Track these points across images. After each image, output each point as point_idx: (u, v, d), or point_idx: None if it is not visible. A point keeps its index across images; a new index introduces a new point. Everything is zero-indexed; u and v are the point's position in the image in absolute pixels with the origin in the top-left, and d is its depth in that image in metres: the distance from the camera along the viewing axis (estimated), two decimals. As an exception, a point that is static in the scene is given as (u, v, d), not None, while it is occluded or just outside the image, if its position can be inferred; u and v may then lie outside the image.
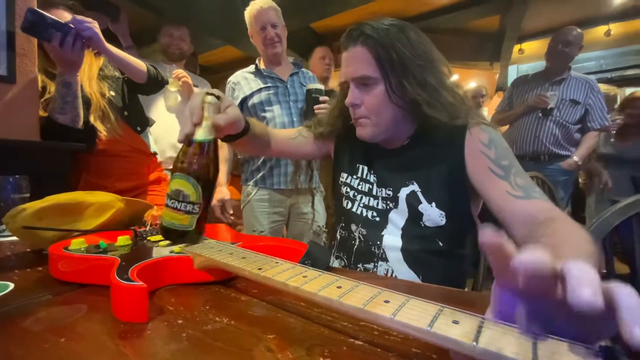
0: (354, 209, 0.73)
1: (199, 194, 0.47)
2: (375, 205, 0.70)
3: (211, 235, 0.54)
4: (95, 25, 0.96)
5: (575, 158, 1.88)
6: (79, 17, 0.94)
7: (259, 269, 0.35)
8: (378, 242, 0.67)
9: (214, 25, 2.78)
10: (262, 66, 1.39)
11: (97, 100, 1.09)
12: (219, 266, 0.40)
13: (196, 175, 0.47)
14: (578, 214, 2.42)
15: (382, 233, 0.68)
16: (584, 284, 0.18)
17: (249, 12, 1.34)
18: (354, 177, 0.74)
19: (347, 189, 0.75)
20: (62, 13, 1.04)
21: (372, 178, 0.71)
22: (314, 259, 0.47)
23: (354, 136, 0.69)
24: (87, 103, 1.07)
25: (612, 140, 2.18)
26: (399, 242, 0.66)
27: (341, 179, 0.77)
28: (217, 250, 0.43)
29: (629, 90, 2.85)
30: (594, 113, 1.87)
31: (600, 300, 0.17)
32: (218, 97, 0.51)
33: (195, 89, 1.67)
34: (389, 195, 0.68)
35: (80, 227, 0.56)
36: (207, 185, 0.48)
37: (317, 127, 0.81)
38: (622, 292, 0.17)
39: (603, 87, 2.49)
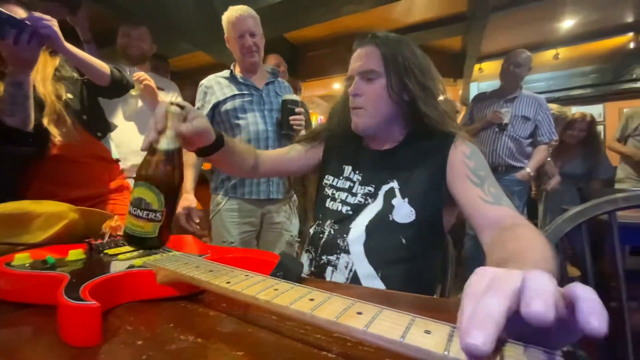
0: (331, 206, 0.75)
1: (161, 202, 0.46)
2: (352, 202, 0.72)
3: (177, 246, 0.52)
4: (54, 24, 0.89)
5: (528, 169, 2.04)
6: (37, 14, 0.87)
7: (228, 282, 0.34)
8: (345, 235, 0.69)
9: (186, 30, 2.71)
10: (237, 72, 1.37)
11: (52, 103, 1.01)
12: (185, 280, 0.38)
13: (158, 183, 0.46)
14: (531, 221, 2.61)
15: (350, 226, 0.70)
16: (537, 295, 0.18)
17: (227, 18, 1.31)
18: (340, 178, 0.77)
19: (332, 190, 0.77)
20: (15, 9, 0.96)
21: (355, 177, 0.75)
22: (286, 270, 0.46)
23: (345, 141, 0.74)
24: (40, 105, 0.98)
25: (549, 159, 2.38)
26: (363, 236, 0.68)
27: (326, 181, 0.79)
28: (182, 263, 0.41)
29: (574, 109, 3.15)
30: (543, 128, 2.04)
31: (551, 313, 0.17)
32: (183, 108, 0.52)
33: (161, 93, 1.59)
34: (370, 192, 0.71)
35: (26, 240, 0.51)
36: (170, 193, 0.48)
37: (311, 132, 0.87)
38: (580, 288, 0.19)
39: (557, 109, 2.73)
